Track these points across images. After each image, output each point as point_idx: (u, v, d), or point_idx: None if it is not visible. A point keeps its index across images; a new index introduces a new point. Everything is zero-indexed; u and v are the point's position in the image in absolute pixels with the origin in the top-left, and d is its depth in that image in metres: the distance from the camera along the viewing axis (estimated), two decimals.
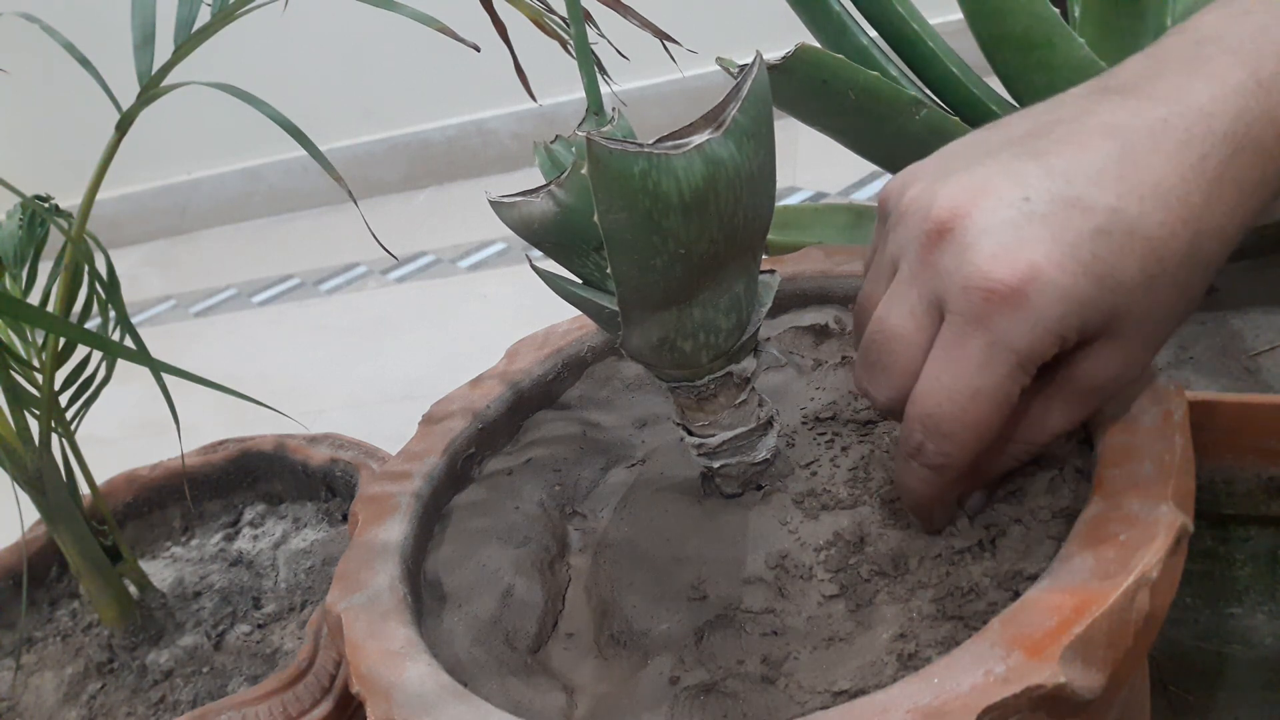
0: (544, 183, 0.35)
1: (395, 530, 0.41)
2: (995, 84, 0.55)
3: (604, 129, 0.37)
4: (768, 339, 0.50)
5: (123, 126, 0.49)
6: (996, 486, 0.36)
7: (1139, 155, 0.30)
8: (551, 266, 0.38)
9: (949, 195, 0.31)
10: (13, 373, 0.50)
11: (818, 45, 0.51)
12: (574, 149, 0.38)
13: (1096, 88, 0.33)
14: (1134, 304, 0.30)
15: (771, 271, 0.38)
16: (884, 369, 0.33)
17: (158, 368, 0.42)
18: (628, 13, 0.47)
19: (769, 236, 0.48)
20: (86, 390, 0.56)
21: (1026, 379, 0.31)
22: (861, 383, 0.35)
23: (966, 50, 0.57)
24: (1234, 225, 0.31)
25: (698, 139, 0.30)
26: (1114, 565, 0.28)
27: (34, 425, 0.52)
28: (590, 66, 0.36)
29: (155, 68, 0.49)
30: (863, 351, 0.34)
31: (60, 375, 0.54)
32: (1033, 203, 0.30)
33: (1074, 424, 0.33)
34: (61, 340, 0.53)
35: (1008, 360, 0.30)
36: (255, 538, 0.65)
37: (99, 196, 0.51)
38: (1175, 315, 0.31)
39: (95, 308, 0.55)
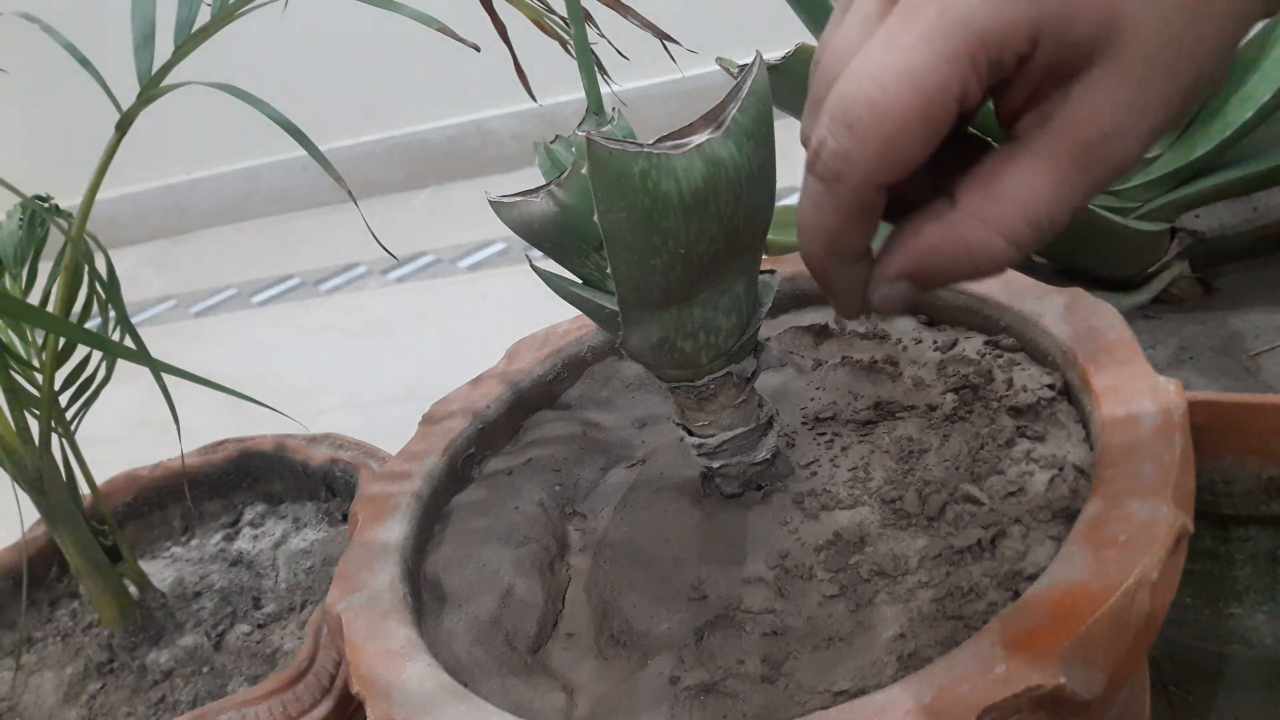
0: (544, 183, 0.35)
1: (395, 530, 0.41)
2: None
3: (604, 129, 0.37)
4: (768, 339, 0.50)
5: (123, 126, 0.49)
6: (937, 283, 0.27)
7: None
8: (551, 266, 0.38)
9: None
10: (13, 373, 0.50)
11: (817, 45, 0.51)
12: (574, 149, 0.38)
13: None
14: (1136, 9, 0.23)
15: (771, 271, 0.38)
16: (824, 99, 0.26)
17: (158, 368, 0.42)
18: (628, 13, 0.47)
19: (769, 236, 0.48)
20: (86, 390, 0.56)
21: (975, 80, 0.24)
22: (803, 128, 0.28)
23: None
24: None
25: (698, 139, 0.30)
26: (1114, 565, 0.28)
27: (34, 425, 0.52)
28: (590, 66, 0.36)
29: (155, 68, 0.49)
30: (810, 91, 0.28)
31: (60, 375, 0.54)
32: None
33: (1066, 200, 0.25)
34: (61, 340, 0.53)
35: (957, 33, 0.23)
36: (255, 538, 0.65)
37: (99, 196, 0.51)
38: (1189, 55, 0.24)
39: (95, 308, 0.55)
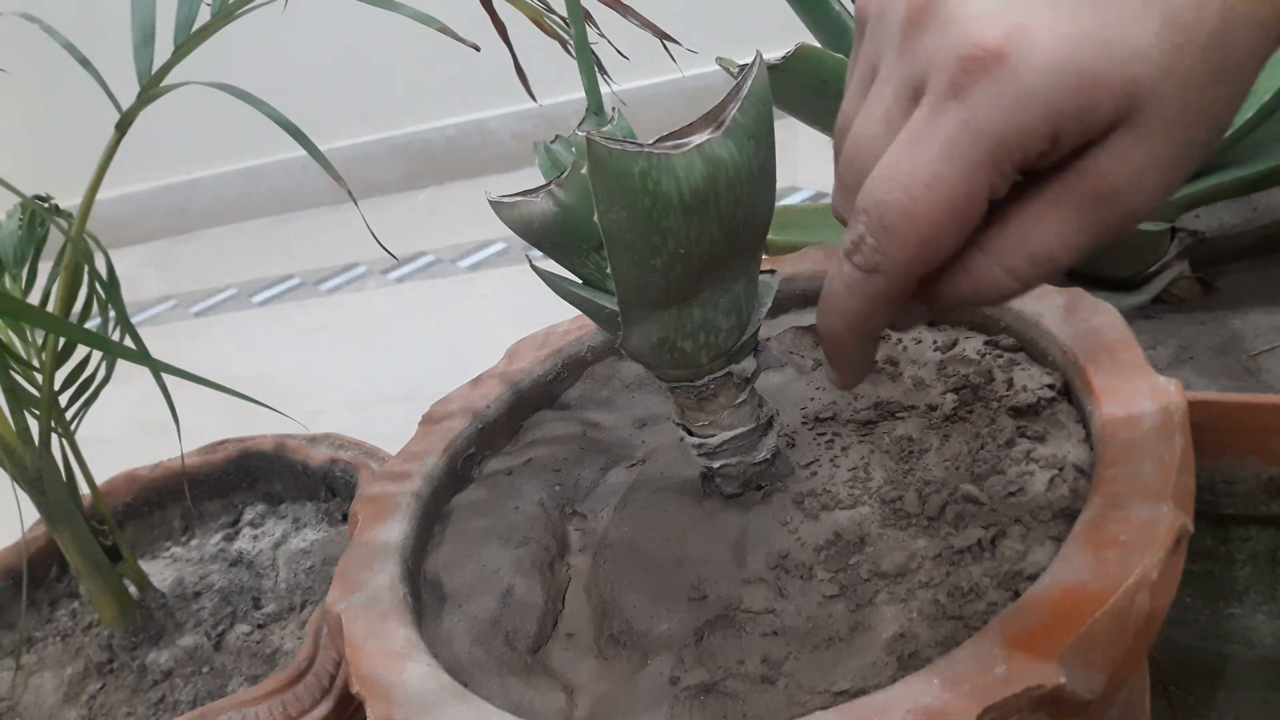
0: (544, 183, 0.35)
1: (395, 530, 0.41)
2: None
3: (604, 129, 0.37)
4: (768, 339, 0.50)
5: (123, 126, 0.49)
6: (947, 309, 0.29)
7: None
8: (551, 266, 0.38)
9: None
10: (13, 373, 0.50)
11: (818, 45, 0.51)
12: (574, 149, 0.38)
13: None
14: (1155, 81, 0.24)
15: (771, 271, 0.38)
16: (853, 186, 0.28)
17: (157, 368, 0.42)
18: (628, 13, 0.47)
19: (769, 236, 0.48)
20: (86, 390, 0.56)
21: (1000, 180, 0.25)
22: (835, 207, 0.30)
23: None
24: (1274, 11, 0.24)
25: (698, 139, 0.30)
26: (1114, 565, 0.28)
27: (34, 425, 0.52)
28: (590, 66, 0.36)
29: (155, 68, 0.49)
30: (837, 172, 0.30)
31: (60, 375, 0.54)
32: None
33: (1072, 244, 0.26)
34: (61, 340, 0.53)
35: (979, 145, 0.24)
36: (255, 538, 0.65)
37: (99, 196, 0.51)
38: (1206, 114, 0.25)
39: (95, 307, 0.55)
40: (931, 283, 0.28)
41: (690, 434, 0.39)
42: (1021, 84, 0.24)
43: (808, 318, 0.50)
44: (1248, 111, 0.47)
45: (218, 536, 0.66)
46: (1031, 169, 0.26)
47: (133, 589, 0.58)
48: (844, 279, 0.28)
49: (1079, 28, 0.24)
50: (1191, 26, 0.24)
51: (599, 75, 0.40)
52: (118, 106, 0.50)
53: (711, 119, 0.31)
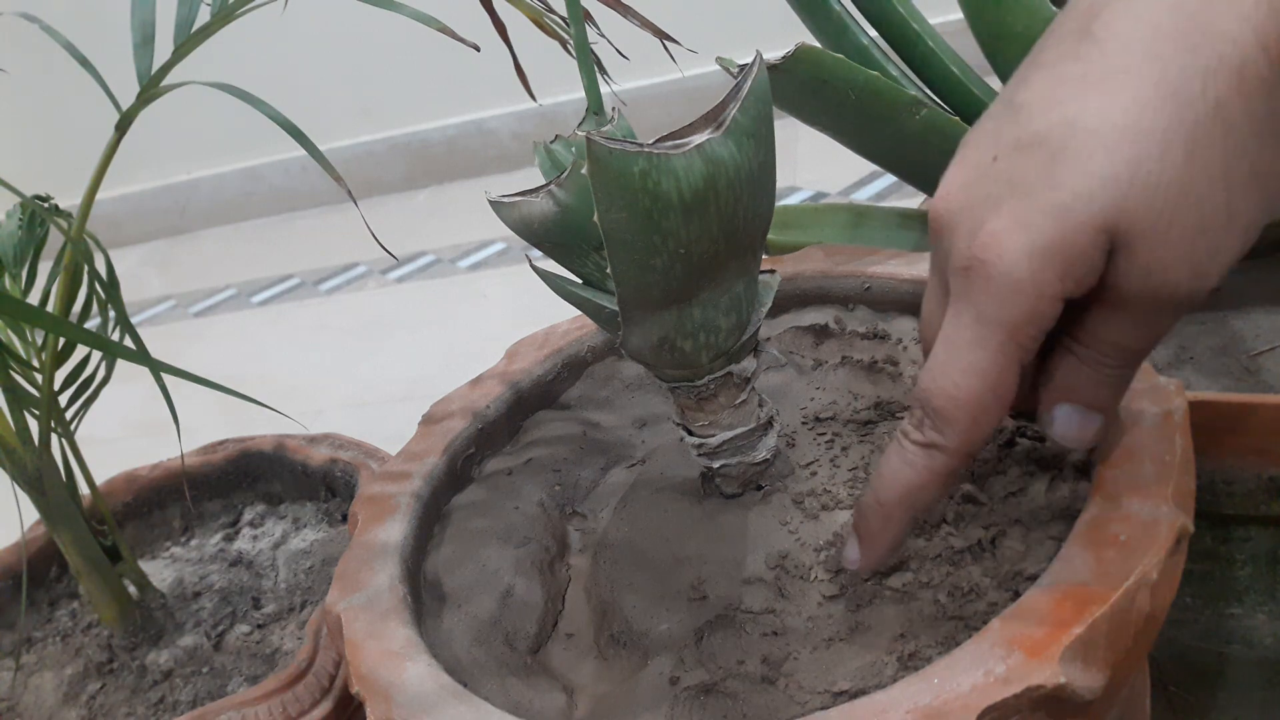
0: (544, 183, 0.35)
1: (395, 530, 0.41)
2: (995, 84, 0.55)
3: (604, 129, 0.37)
4: (768, 339, 0.49)
5: (122, 126, 0.49)
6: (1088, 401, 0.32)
7: (1114, 33, 0.27)
8: (551, 266, 0.38)
9: (945, 185, 0.31)
10: (12, 373, 0.50)
11: (818, 45, 0.51)
12: (574, 149, 0.38)
13: None
14: (1123, 203, 0.26)
15: (771, 271, 0.38)
16: (926, 346, 0.34)
17: (157, 368, 0.42)
18: (628, 13, 0.47)
19: (769, 236, 0.48)
20: (86, 390, 0.56)
21: (1023, 352, 0.29)
22: (923, 336, 0.35)
23: (966, 50, 0.57)
24: (1241, 53, 0.26)
25: (698, 139, 0.30)
26: (1114, 565, 0.28)
27: (34, 425, 0.52)
28: (590, 66, 0.36)
29: (155, 68, 0.49)
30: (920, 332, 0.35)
31: (60, 375, 0.54)
32: (999, 162, 0.29)
33: (1135, 338, 0.30)
34: (61, 340, 0.53)
35: (996, 334, 0.28)
36: (255, 538, 0.65)
37: (99, 196, 0.51)
38: (1198, 189, 0.26)
39: (95, 307, 0.55)
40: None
41: (690, 434, 0.39)
42: (1009, 280, 0.27)
43: (808, 318, 0.50)
44: None
45: (217, 537, 0.66)
46: (1079, 302, 0.29)
47: (132, 589, 0.58)
48: (904, 455, 0.31)
49: (1034, 207, 0.27)
50: (1142, 136, 0.26)
51: (599, 75, 0.40)
52: (117, 106, 0.50)
53: (711, 119, 0.31)
